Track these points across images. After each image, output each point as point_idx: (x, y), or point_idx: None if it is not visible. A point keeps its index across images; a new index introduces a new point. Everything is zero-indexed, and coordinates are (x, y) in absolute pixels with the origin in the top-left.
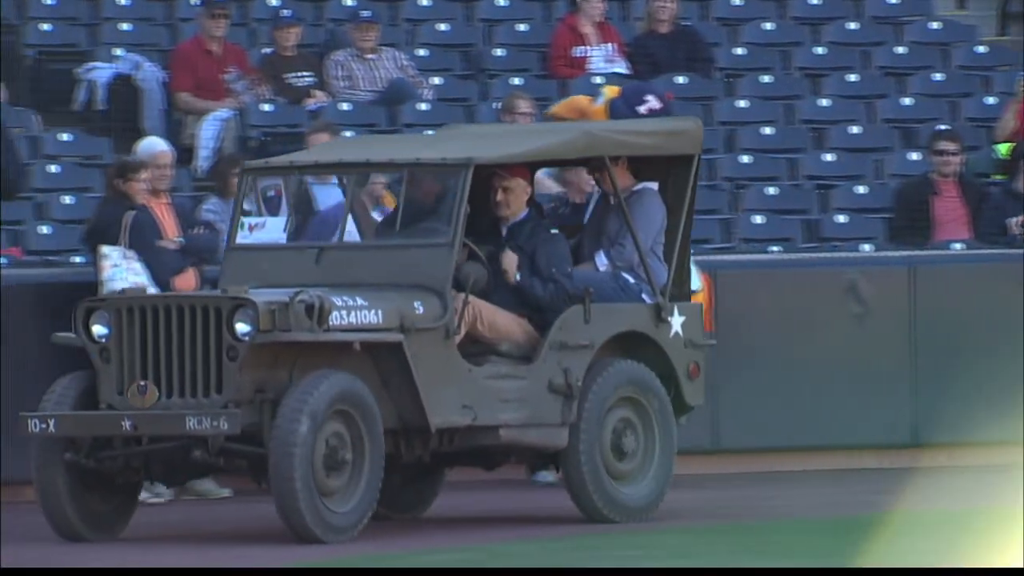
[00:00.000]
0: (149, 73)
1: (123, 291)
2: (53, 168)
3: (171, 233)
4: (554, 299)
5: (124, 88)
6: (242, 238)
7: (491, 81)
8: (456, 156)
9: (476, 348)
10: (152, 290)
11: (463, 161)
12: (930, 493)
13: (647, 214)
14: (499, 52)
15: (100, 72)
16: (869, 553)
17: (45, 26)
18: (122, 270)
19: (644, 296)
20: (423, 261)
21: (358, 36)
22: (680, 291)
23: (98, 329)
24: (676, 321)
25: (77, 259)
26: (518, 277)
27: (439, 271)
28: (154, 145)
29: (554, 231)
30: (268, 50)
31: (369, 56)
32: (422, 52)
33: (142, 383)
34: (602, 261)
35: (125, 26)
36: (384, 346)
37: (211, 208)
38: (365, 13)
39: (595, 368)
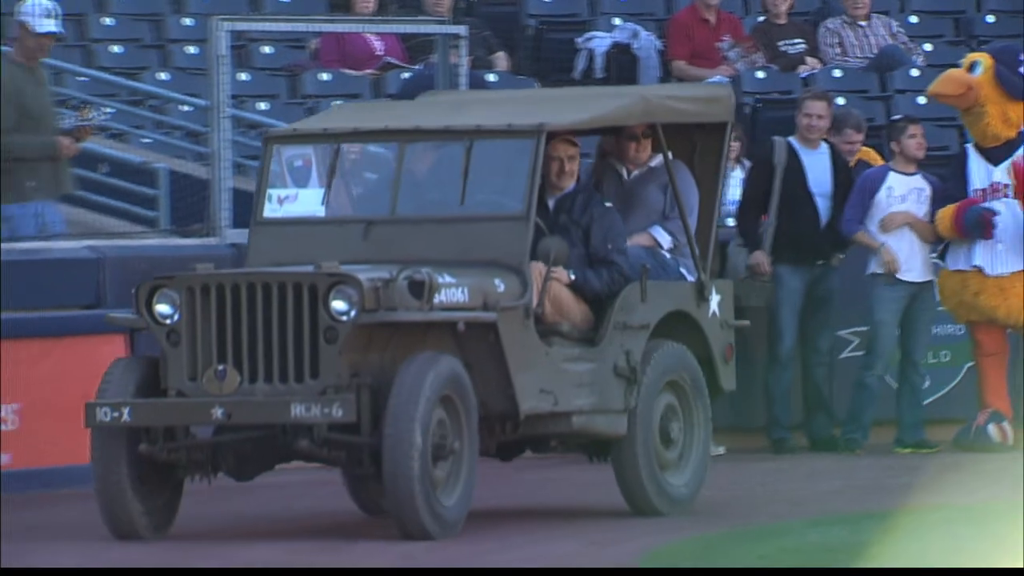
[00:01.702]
0: (645, 42)
1: (194, 268)
2: None
3: None
4: (612, 285)
5: (621, 56)
6: (271, 212)
7: (980, 47)
8: (525, 122)
9: (539, 328)
10: None
11: (534, 128)
12: None
13: (687, 187)
14: (989, 19)
15: (598, 41)
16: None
17: None
18: None
19: (684, 272)
20: (497, 236)
21: (850, 4)
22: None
23: (163, 309)
24: (714, 300)
25: None
26: (572, 276)
27: (516, 246)
28: None
29: (608, 204)
30: (761, 18)
31: (861, 23)
32: (913, 19)
33: (220, 367)
34: (664, 238)
35: None
36: (476, 327)
37: None
38: None
39: (646, 351)
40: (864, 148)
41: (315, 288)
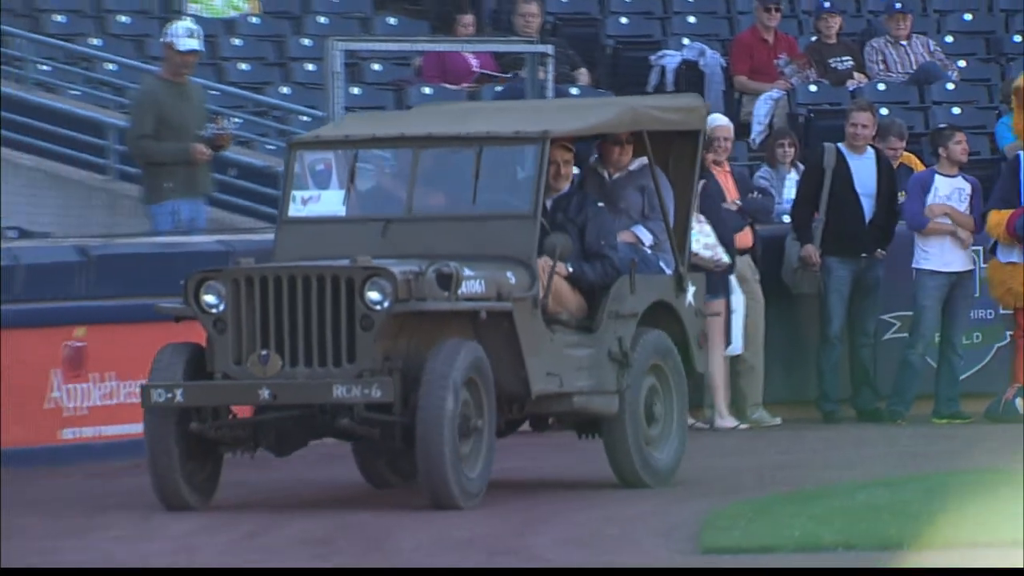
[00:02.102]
0: (711, 59)
1: (238, 262)
2: None
3: (732, 197)
4: (605, 277)
5: (689, 72)
6: (296, 211)
7: (1009, 64)
8: (531, 130)
9: (542, 317)
10: (719, 249)
11: (539, 134)
12: None
13: (664, 188)
14: (1016, 38)
15: (669, 59)
16: None
17: (623, 19)
18: (696, 233)
19: (663, 266)
20: (507, 233)
21: (892, 25)
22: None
23: (209, 299)
24: (690, 291)
25: None
26: (570, 268)
27: (524, 242)
28: (715, 120)
29: (600, 204)
30: (814, 38)
31: (902, 42)
32: (948, 39)
33: (263, 352)
34: (645, 235)
35: (691, 19)
36: (494, 315)
37: (763, 175)
38: (898, 5)
39: (634, 337)
40: (905, 153)
41: (352, 280)
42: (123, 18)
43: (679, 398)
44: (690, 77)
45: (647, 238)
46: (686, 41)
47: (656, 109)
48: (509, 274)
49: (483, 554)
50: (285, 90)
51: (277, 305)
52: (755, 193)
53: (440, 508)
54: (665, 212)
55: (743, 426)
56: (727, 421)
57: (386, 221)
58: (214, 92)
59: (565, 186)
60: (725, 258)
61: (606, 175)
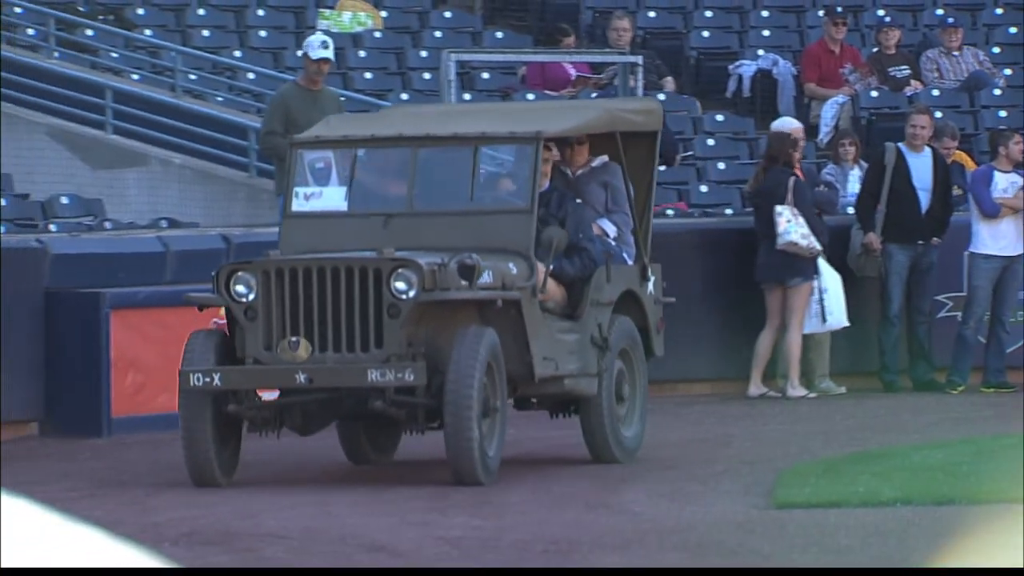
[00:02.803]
0: (783, 68)
1: (267, 255)
2: (710, 141)
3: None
4: (584, 271)
5: (764, 80)
6: (299, 206)
7: None
8: (525, 130)
9: None
10: (813, 238)
11: (533, 135)
12: None
13: (624, 184)
14: None
15: (746, 68)
16: None
17: (705, 33)
18: (793, 225)
19: (626, 257)
20: (505, 227)
21: (945, 37)
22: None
23: (240, 289)
24: (651, 281)
25: (728, 211)
26: (551, 267)
27: (522, 236)
28: (787, 123)
29: (578, 200)
30: (875, 49)
31: (954, 53)
32: (996, 49)
33: (294, 339)
34: (610, 228)
35: (766, 32)
36: (505, 302)
37: (829, 172)
38: (951, 19)
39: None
40: (957, 152)
41: (380, 271)
42: (262, 33)
43: (642, 380)
44: (764, 85)
45: (611, 230)
46: (761, 52)
47: (626, 111)
48: (511, 265)
49: (581, 506)
50: (404, 96)
51: (307, 294)
52: (822, 187)
53: (463, 484)
54: (634, 206)
55: (812, 395)
56: (797, 391)
57: (387, 216)
58: (341, 98)
59: (546, 183)
60: (818, 246)
61: (568, 172)
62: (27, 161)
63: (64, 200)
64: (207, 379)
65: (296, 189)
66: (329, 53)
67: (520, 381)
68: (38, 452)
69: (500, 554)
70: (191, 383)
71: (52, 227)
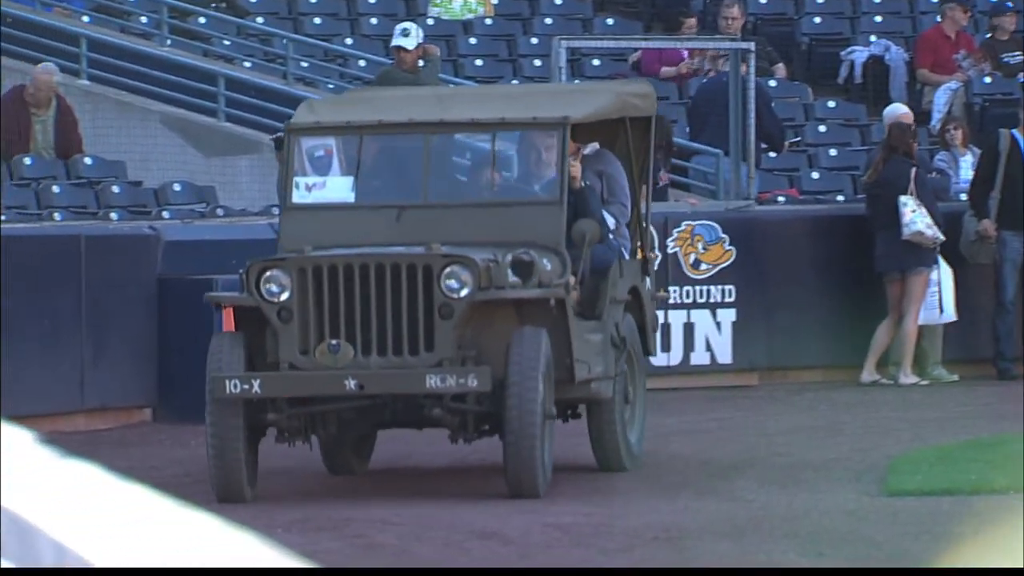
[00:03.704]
0: (895, 54)
1: (302, 250)
2: (822, 128)
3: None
4: (602, 263)
5: (876, 66)
6: (300, 198)
7: None
8: (549, 115)
9: None
10: (936, 228)
11: (559, 120)
12: None
13: (619, 172)
14: None
15: (858, 54)
16: None
17: (817, 19)
18: (918, 215)
19: (623, 251)
20: (533, 220)
21: None
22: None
23: (272, 288)
24: (649, 278)
25: (840, 198)
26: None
27: (553, 229)
28: (897, 109)
29: (587, 183)
30: (988, 35)
31: None
32: None
33: (334, 342)
34: (608, 220)
35: (878, 18)
36: (539, 302)
37: (941, 158)
38: None
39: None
40: None
41: (429, 268)
42: (373, 20)
43: (641, 380)
44: (876, 71)
45: (610, 222)
46: (873, 38)
47: (631, 96)
48: (545, 261)
49: (691, 493)
50: (515, 82)
51: (348, 294)
52: (934, 174)
53: (521, 496)
54: (639, 196)
55: (924, 382)
56: (910, 378)
57: (400, 208)
58: (453, 85)
59: (577, 178)
60: (941, 236)
61: None
62: (140, 148)
63: (177, 187)
64: (245, 386)
65: (296, 179)
66: (406, 42)
67: (557, 385)
68: (151, 438)
69: (610, 540)
70: (227, 391)
71: (165, 214)
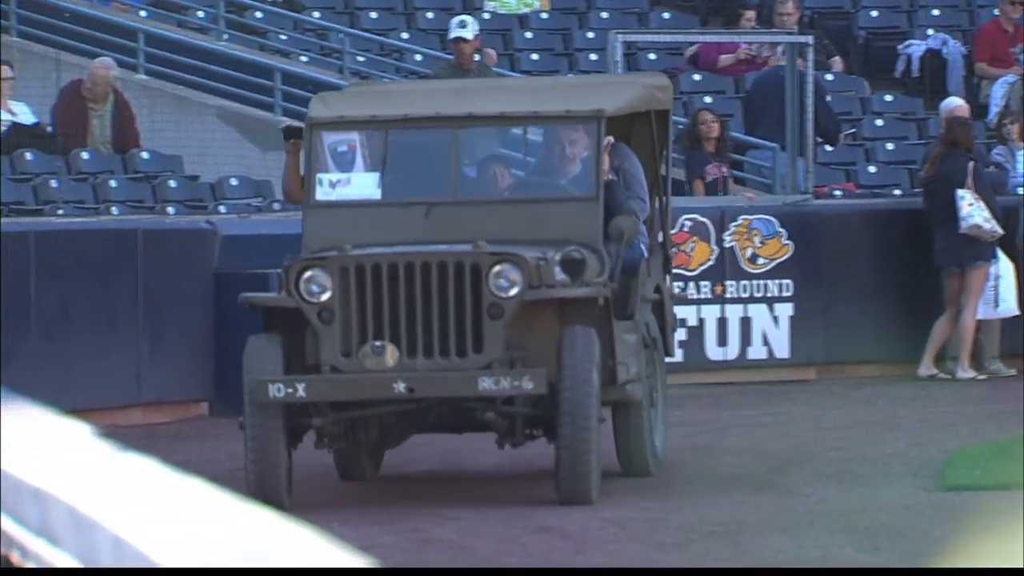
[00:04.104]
0: (953, 48)
1: (343, 248)
2: (879, 122)
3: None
4: (632, 261)
5: (933, 60)
6: (324, 195)
7: None
8: (583, 108)
9: None
10: (995, 222)
11: (594, 113)
12: None
13: (635, 166)
14: None
15: (915, 48)
16: None
17: (874, 12)
18: (976, 208)
19: (643, 248)
20: (568, 216)
21: None
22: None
23: (313, 288)
24: (669, 275)
25: (897, 192)
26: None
27: (590, 226)
28: (952, 102)
29: (612, 177)
30: None
31: None
32: None
33: (378, 344)
34: None
35: (935, 12)
36: (582, 302)
37: (999, 152)
38: None
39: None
40: None
41: (478, 266)
42: (430, 14)
43: (663, 383)
44: (933, 64)
45: None
46: (930, 32)
47: (655, 88)
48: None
49: (748, 488)
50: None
51: (392, 293)
52: (992, 168)
53: (574, 502)
54: (663, 191)
55: (981, 377)
56: (967, 372)
57: (429, 204)
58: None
59: (607, 172)
60: (999, 229)
61: None
62: (197, 143)
63: (233, 181)
64: (289, 390)
65: (319, 176)
66: (465, 33)
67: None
68: (208, 432)
69: (666, 535)
70: (271, 395)
71: (222, 208)
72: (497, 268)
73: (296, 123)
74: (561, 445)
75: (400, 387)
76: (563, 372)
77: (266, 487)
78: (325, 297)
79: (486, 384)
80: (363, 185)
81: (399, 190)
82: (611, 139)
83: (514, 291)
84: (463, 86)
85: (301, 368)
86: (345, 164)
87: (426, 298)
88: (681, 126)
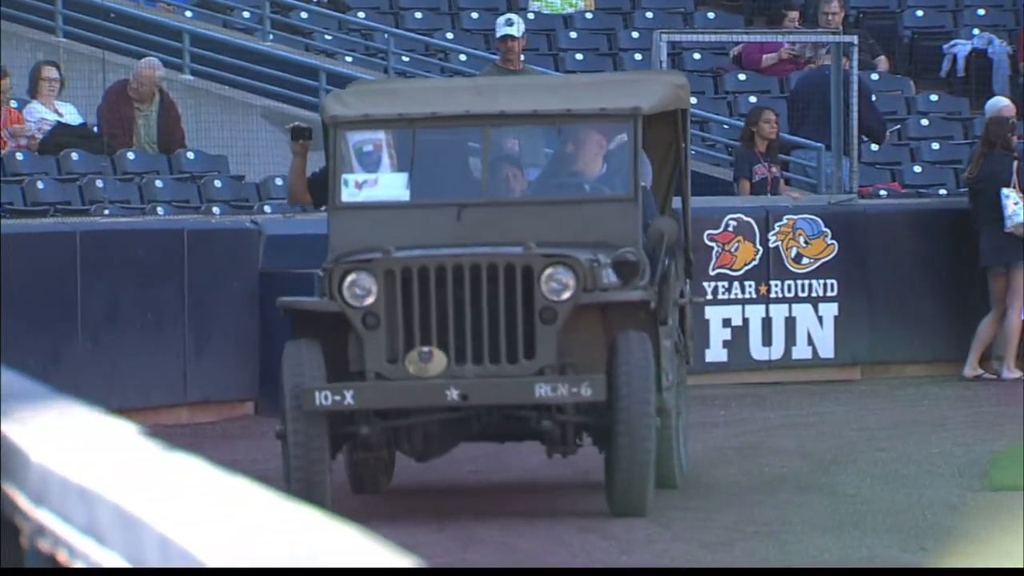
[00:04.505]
0: (998, 48)
1: (388, 251)
2: (924, 122)
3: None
4: (667, 265)
5: (978, 60)
6: (350, 196)
7: None
8: (619, 106)
9: None
10: None
11: (630, 111)
12: None
13: (648, 168)
14: None
15: (960, 47)
16: None
17: (919, 12)
18: (1021, 207)
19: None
20: (606, 218)
21: None
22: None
23: (357, 292)
24: (689, 280)
25: (942, 192)
26: (666, 262)
27: (629, 227)
28: (998, 102)
29: (644, 184)
30: None
31: None
32: None
33: (425, 350)
34: None
35: (980, 11)
36: (627, 306)
37: None
38: None
39: None
40: None
41: (529, 269)
42: (474, 14)
43: (684, 391)
44: (978, 64)
45: None
46: (976, 31)
47: (678, 87)
48: None
49: (792, 488)
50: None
51: (440, 297)
52: None
53: (628, 514)
54: (686, 193)
55: None
56: (1013, 372)
57: (460, 206)
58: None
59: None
60: None
61: None
62: (242, 143)
63: (279, 181)
64: (336, 398)
65: (344, 176)
66: (513, 30)
67: None
68: (253, 431)
69: (711, 535)
70: (317, 403)
71: (267, 208)
72: (550, 271)
73: (303, 124)
74: (618, 456)
75: (453, 394)
76: (620, 379)
77: (309, 497)
78: (369, 301)
79: (543, 391)
80: (391, 186)
81: (428, 191)
82: (624, 138)
83: (567, 294)
84: (485, 83)
85: (342, 375)
86: (371, 164)
87: (475, 302)
88: (727, 126)
